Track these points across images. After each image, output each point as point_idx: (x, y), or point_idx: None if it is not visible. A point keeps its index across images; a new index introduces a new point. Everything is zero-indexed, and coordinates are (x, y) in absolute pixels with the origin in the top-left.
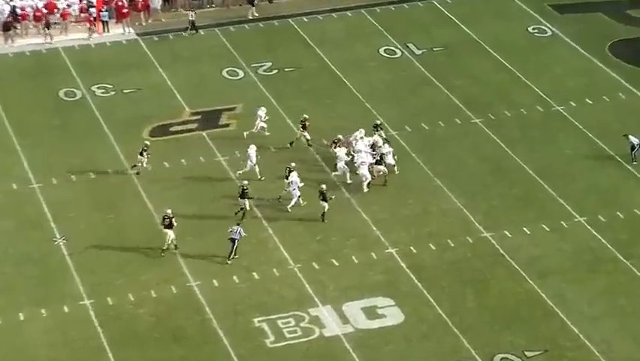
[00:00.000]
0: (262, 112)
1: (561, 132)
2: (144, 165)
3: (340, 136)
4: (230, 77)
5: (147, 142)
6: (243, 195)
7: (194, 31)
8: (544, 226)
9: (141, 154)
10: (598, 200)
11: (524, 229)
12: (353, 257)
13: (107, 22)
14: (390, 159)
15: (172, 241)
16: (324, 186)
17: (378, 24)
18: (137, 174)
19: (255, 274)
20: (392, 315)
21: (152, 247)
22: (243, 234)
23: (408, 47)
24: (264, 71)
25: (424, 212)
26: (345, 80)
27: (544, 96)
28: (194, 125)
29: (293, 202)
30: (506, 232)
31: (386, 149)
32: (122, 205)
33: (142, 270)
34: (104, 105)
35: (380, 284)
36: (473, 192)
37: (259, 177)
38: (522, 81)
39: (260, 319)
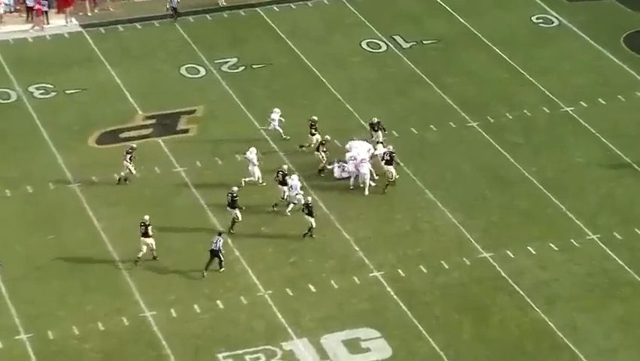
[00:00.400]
0: (276, 115)
1: (570, 137)
2: (133, 171)
3: (328, 137)
4: (189, 76)
5: (134, 144)
6: (233, 204)
7: (175, 18)
8: (552, 245)
9: (127, 159)
10: (613, 215)
11: (529, 248)
12: (332, 282)
13: (46, 12)
14: (364, 169)
15: (152, 250)
16: (309, 199)
17: (359, 13)
18: (125, 180)
19: (219, 302)
20: (378, 349)
21: (100, 271)
22: (220, 246)
23: (394, 39)
24: (229, 67)
25: (414, 229)
26: (322, 78)
27: (551, 96)
28: (148, 131)
29: (291, 207)
30: (508, 252)
31: (379, 150)
32: (64, 223)
33: (88, 299)
34: (43, 108)
35: (364, 313)
36: (470, 206)
37: (261, 182)
38: (525, 78)
39: (225, 355)
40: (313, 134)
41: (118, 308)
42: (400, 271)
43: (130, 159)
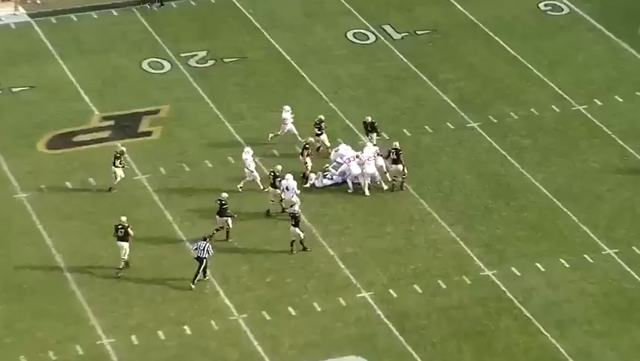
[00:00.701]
0: (288, 114)
1: (583, 139)
2: (119, 177)
3: (311, 139)
4: (152, 71)
5: (122, 147)
6: (222, 212)
7: (160, 4)
8: (564, 262)
9: (115, 164)
10: (632, 227)
11: (537, 265)
12: (315, 304)
13: None
14: (371, 168)
15: (122, 259)
16: (297, 208)
17: (345, 0)
18: (109, 190)
19: (186, 328)
20: None
21: (52, 293)
22: (212, 252)
23: (384, 29)
24: (197, 62)
25: (408, 244)
26: (302, 73)
27: (561, 92)
28: (105, 134)
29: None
30: (514, 270)
31: (367, 152)
32: (10, 240)
33: (38, 324)
34: None
35: (350, 339)
36: (471, 217)
37: (261, 187)
38: (532, 73)
39: None
40: (319, 135)
41: (72, 335)
42: (391, 291)
43: (119, 163)
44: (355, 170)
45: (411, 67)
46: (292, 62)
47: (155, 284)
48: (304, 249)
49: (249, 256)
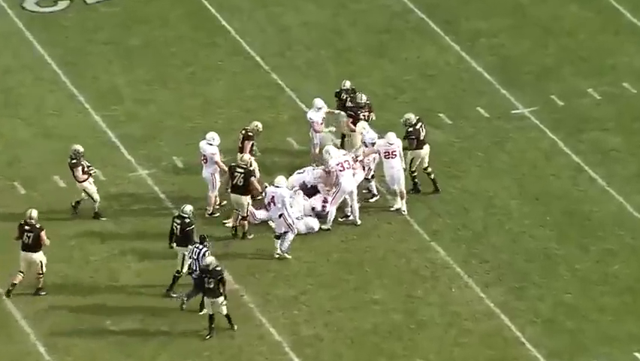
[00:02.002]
0: (320, 113)
1: None
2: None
3: (258, 123)
4: None
5: (78, 147)
6: (184, 239)
7: None
8: None
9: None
10: None
11: (636, 354)
12: None
13: None
14: (350, 182)
15: (39, 274)
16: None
17: None
18: (75, 206)
19: None
20: None
21: None
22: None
23: None
24: (39, 2)
25: (410, 321)
26: (223, 21)
27: None
28: None
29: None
30: None
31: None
32: None
33: None
34: None
35: None
36: (520, 273)
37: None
38: (627, 22)
39: None
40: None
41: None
42: None
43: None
44: (349, 185)
45: (411, 7)
46: (209, 6)
47: None
48: (231, 326)
49: (163, 338)
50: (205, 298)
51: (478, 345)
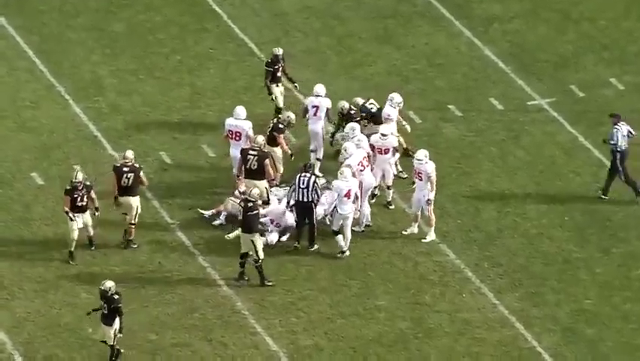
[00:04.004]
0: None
1: None
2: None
3: (291, 114)
4: None
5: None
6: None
7: None
8: None
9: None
10: None
11: None
12: None
13: None
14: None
15: (134, 216)
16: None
17: None
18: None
19: None
20: None
21: None
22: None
23: None
24: None
25: (418, 330)
26: (214, 6)
27: None
28: None
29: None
30: None
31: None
32: None
33: None
34: None
35: None
36: (537, 278)
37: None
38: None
39: None
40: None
41: None
42: None
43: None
44: (371, 180)
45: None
46: None
47: None
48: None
49: None
50: (102, 324)
51: (491, 356)
